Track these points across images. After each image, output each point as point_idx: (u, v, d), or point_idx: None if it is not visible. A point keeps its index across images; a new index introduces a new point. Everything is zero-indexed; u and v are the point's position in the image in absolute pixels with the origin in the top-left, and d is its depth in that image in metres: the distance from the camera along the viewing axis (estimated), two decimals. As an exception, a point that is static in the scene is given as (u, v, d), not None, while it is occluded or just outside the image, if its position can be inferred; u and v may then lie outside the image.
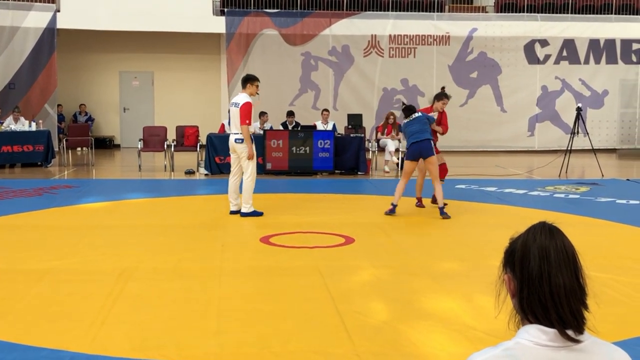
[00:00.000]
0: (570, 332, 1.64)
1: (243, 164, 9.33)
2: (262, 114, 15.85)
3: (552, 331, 1.65)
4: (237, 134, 9.23)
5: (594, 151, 15.82)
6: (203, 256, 7.22)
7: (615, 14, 20.79)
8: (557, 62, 20.51)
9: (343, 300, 5.54)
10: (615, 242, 8.11)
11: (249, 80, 9.38)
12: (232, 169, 9.57)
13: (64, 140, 16.94)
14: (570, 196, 11.52)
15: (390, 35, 19.93)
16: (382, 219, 9.44)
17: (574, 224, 8.63)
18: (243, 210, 9.33)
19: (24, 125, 15.81)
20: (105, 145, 20.78)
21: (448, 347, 4.66)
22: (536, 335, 1.65)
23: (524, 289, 1.69)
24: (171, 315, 5.19)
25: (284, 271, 6.56)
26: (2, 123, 15.75)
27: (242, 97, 9.26)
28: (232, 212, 9.49)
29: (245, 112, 9.14)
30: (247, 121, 9.19)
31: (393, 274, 6.54)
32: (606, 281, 6.06)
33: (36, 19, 18.35)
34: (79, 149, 18.40)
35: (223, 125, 15.70)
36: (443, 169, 10.45)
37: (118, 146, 21.32)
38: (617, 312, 5.32)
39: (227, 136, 14.49)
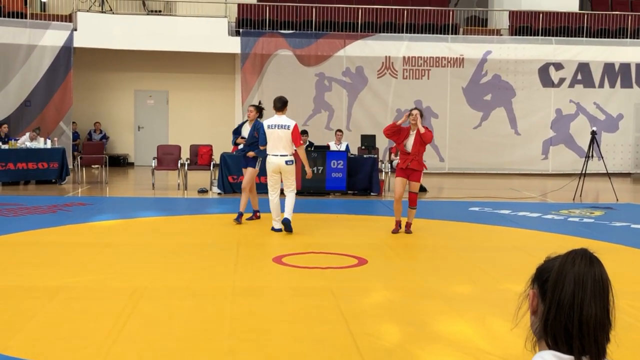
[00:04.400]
0: None
1: (288, 181, 9.70)
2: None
3: (568, 358, 1.62)
4: (286, 155, 9.56)
5: (608, 175, 15.73)
6: (215, 275, 7.20)
7: (630, 38, 20.76)
8: (571, 85, 20.48)
9: (356, 322, 5.51)
10: (630, 267, 8.03)
11: (287, 103, 9.80)
12: (271, 190, 9.79)
13: (79, 157, 17.03)
14: (585, 220, 11.45)
15: (404, 57, 19.99)
16: (395, 240, 9.41)
17: (589, 249, 8.55)
18: (288, 216, 9.63)
19: (39, 142, 15.91)
20: (119, 163, 20.88)
21: (461, 371, 4.61)
22: None
23: (551, 312, 1.65)
24: (183, 335, 5.18)
25: (296, 291, 6.54)
26: (17, 140, 15.87)
27: (288, 120, 9.65)
28: (276, 230, 9.74)
29: (299, 134, 9.74)
30: (301, 142, 9.83)
31: (406, 296, 6.50)
32: (621, 306, 5.94)
33: (53, 38, 18.53)
34: (93, 166, 18.48)
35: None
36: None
37: (132, 164, 21.42)
38: (632, 337, 5.26)
39: (238, 157, 14.60)
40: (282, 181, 9.81)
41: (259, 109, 10.58)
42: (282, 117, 9.65)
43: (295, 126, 9.62)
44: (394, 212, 9.97)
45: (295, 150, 9.69)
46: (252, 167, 10.53)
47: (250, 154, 10.41)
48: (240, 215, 10.40)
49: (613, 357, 1.74)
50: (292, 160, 9.62)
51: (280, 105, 9.70)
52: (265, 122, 9.80)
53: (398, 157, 15.64)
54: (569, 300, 1.63)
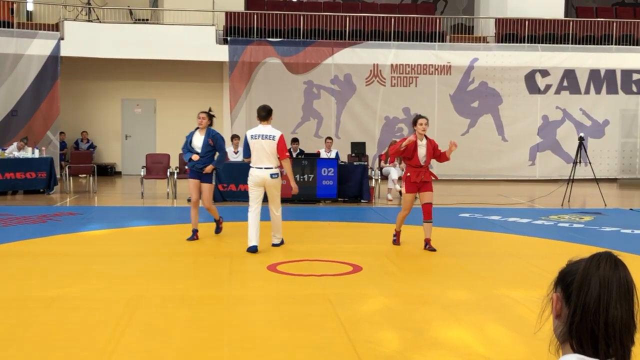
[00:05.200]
0: None
1: (274, 196, 8.93)
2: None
3: None
4: (271, 167, 8.76)
5: (596, 181, 15.84)
6: (211, 284, 7.18)
7: (615, 44, 20.95)
8: (557, 92, 20.63)
9: (354, 329, 5.51)
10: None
11: (272, 112, 9.07)
12: (253, 205, 8.83)
13: (66, 167, 16.94)
14: (575, 225, 11.51)
15: (392, 65, 20.06)
16: (388, 247, 9.42)
17: (581, 254, 8.58)
18: (277, 241, 9.20)
19: (26, 152, 15.82)
20: (107, 172, 20.78)
21: (463, 377, 4.62)
22: None
23: (577, 315, 1.66)
24: (181, 344, 5.15)
25: (293, 299, 6.53)
26: (4, 150, 15.76)
27: (272, 130, 8.86)
28: (254, 249, 8.75)
29: (285, 145, 8.95)
30: (287, 154, 8.97)
31: (403, 302, 6.51)
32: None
33: (40, 47, 18.45)
34: (81, 176, 18.38)
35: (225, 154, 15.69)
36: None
37: (119, 173, 21.32)
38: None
39: (231, 164, 14.63)
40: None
41: (211, 116, 9.90)
42: (266, 127, 8.87)
43: (281, 137, 8.85)
44: (397, 221, 9.39)
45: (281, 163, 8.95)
46: (209, 183, 9.82)
47: (208, 169, 9.70)
48: (196, 232, 9.77)
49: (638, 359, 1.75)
50: (277, 174, 8.84)
51: (265, 114, 8.93)
52: (249, 132, 9.00)
53: (389, 165, 15.74)
54: (594, 303, 1.64)
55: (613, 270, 1.68)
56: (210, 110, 10.16)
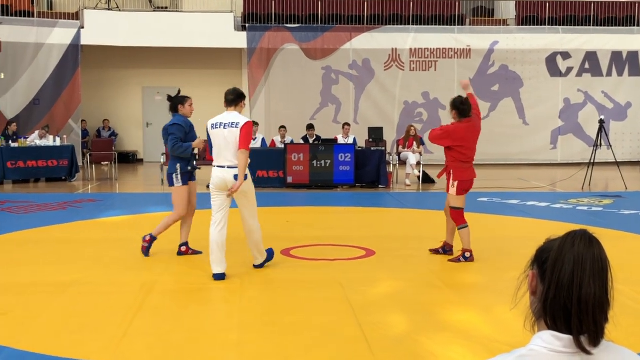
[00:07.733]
0: (584, 341, 1.63)
1: (245, 203, 6.90)
2: (281, 128, 16.09)
3: (566, 337, 1.64)
4: (235, 167, 6.63)
5: (617, 164, 15.68)
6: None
7: (637, 26, 20.66)
8: (579, 74, 20.41)
9: (363, 312, 5.55)
10: (638, 254, 8.02)
11: (243, 97, 7.03)
12: (215, 217, 6.79)
13: (88, 155, 17.12)
14: (594, 209, 11.43)
15: (411, 49, 19.97)
16: (402, 232, 9.43)
17: (597, 237, 8.54)
18: (258, 262, 7.16)
19: (48, 140, 16.01)
20: (129, 160, 20.96)
21: (468, 359, 4.64)
22: (550, 341, 1.65)
23: (551, 292, 1.68)
24: (192, 327, 5.22)
25: (304, 283, 6.58)
26: (26, 138, 15.96)
27: (238, 116, 6.77)
28: (218, 276, 6.66)
29: (249, 134, 6.73)
30: (247, 146, 6.69)
31: (413, 286, 6.53)
32: (628, 293, 6.01)
33: (60, 36, 18.62)
34: (102, 163, 18.56)
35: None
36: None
37: (141, 161, 21.49)
38: (639, 323, 5.27)
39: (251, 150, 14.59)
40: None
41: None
42: (232, 114, 6.80)
43: (247, 124, 6.66)
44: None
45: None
46: (171, 185, 8.26)
47: None
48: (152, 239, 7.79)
49: (618, 342, 1.76)
50: (244, 174, 6.64)
51: (234, 97, 6.88)
52: (209, 122, 6.96)
53: (406, 149, 15.69)
54: (568, 280, 1.65)
55: (587, 247, 1.69)
56: (179, 92, 8.76)
